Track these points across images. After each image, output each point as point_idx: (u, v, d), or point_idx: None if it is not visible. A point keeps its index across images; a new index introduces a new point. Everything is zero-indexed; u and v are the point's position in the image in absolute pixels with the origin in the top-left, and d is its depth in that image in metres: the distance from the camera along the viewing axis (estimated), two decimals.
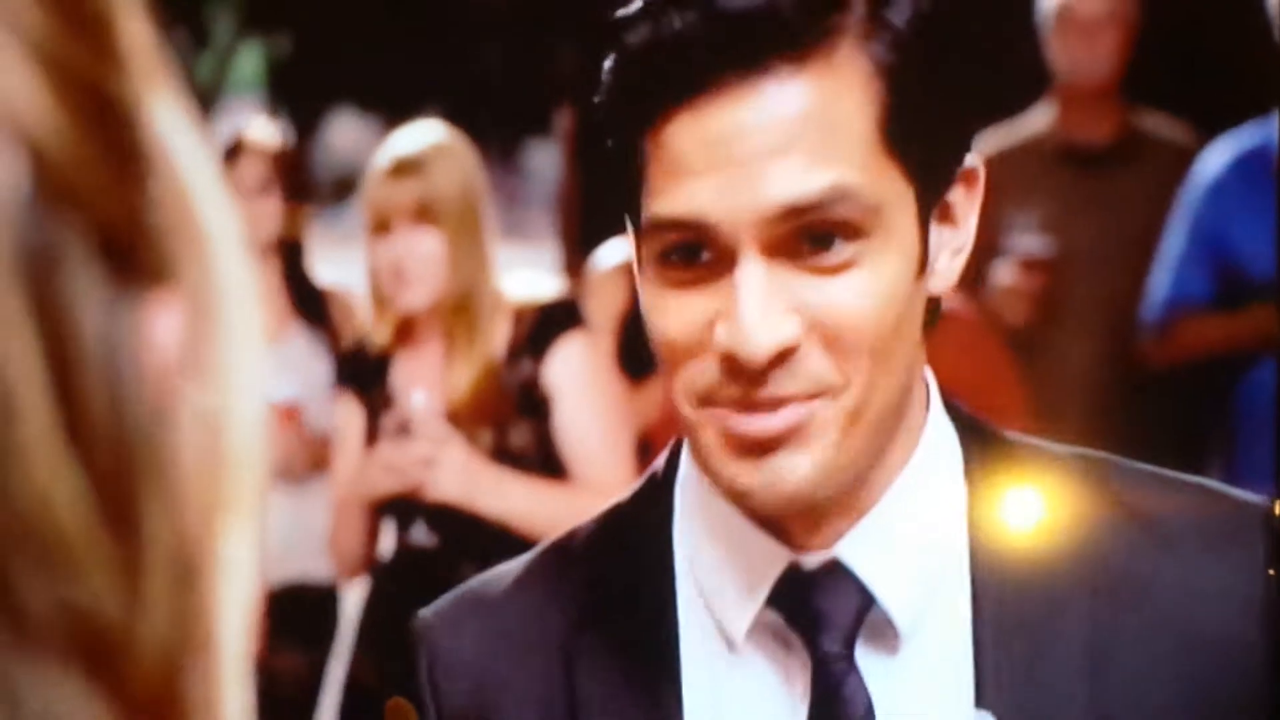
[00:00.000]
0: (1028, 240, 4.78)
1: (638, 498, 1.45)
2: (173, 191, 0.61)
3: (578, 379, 3.51)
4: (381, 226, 3.57)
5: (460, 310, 3.53)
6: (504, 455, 3.49)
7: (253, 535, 0.64)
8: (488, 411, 3.52)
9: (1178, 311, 4.58)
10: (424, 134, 3.64)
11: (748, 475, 1.28)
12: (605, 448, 3.52)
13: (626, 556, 1.41)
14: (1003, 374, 3.84)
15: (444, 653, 1.44)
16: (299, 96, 18.87)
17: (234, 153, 4.77)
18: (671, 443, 1.44)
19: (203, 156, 0.63)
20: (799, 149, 1.24)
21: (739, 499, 1.30)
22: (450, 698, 1.42)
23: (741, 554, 1.36)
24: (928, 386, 1.39)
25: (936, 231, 1.33)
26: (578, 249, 5.80)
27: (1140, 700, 1.31)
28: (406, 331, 3.65)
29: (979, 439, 1.39)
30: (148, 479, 0.59)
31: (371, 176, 3.61)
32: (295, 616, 4.41)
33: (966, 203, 1.35)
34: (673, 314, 1.29)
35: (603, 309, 4.42)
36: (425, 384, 3.54)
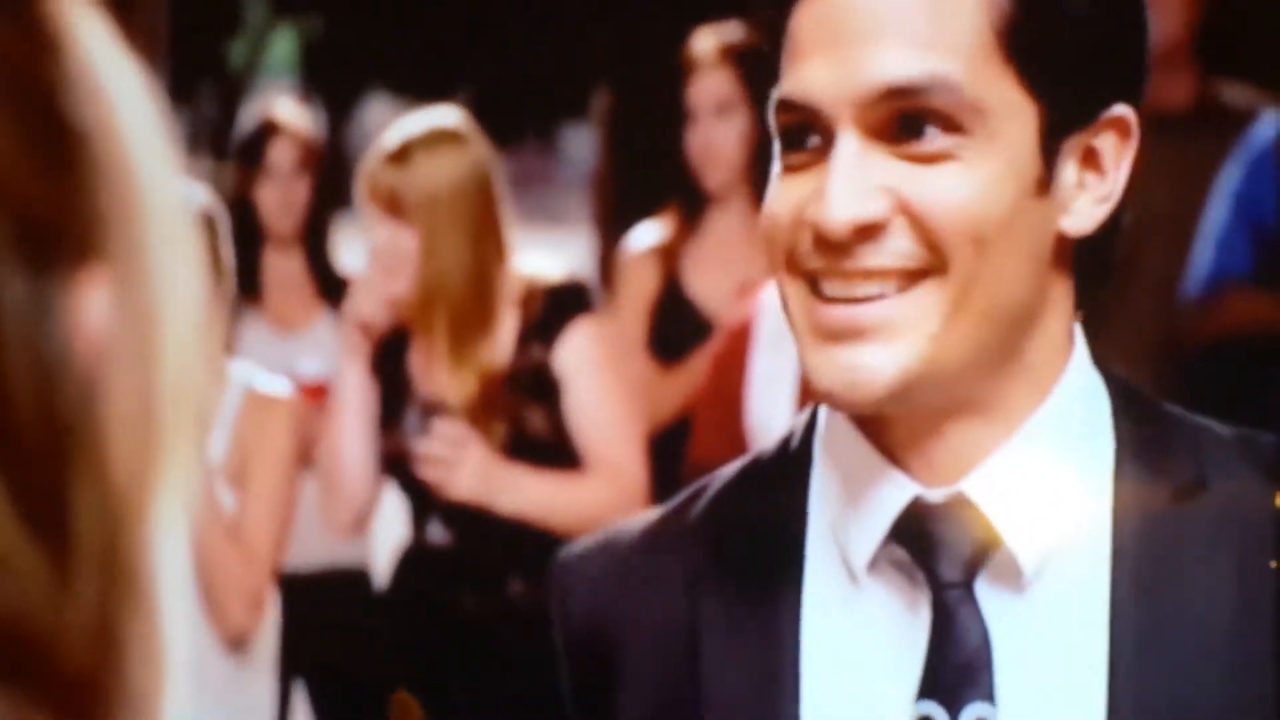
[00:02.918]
0: None
1: (777, 448, 1.46)
2: (107, 169, 0.61)
3: (589, 363, 3.50)
4: (368, 210, 3.57)
5: (436, 305, 3.51)
6: (520, 443, 3.48)
7: (189, 499, 0.63)
8: (497, 402, 3.49)
9: (1219, 286, 4.53)
10: (425, 122, 3.60)
11: (829, 369, 1.30)
12: (616, 432, 3.52)
13: (762, 497, 1.43)
14: None
15: (574, 583, 1.47)
16: (333, 81, 18.86)
17: (265, 135, 4.75)
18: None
19: (149, 119, 0.63)
20: (904, 33, 1.29)
21: (823, 398, 1.34)
22: (576, 623, 1.46)
23: (868, 486, 1.37)
24: (1073, 336, 1.39)
25: (1076, 172, 1.35)
26: (611, 232, 5.76)
27: None
28: (408, 318, 3.62)
29: (1133, 401, 1.40)
30: (75, 464, 0.59)
31: (367, 159, 3.60)
32: (325, 600, 4.39)
33: (1115, 153, 1.37)
34: (781, 195, 1.34)
35: (635, 292, 4.41)
36: (429, 375, 3.52)
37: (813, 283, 1.32)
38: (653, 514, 1.50)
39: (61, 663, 0.59)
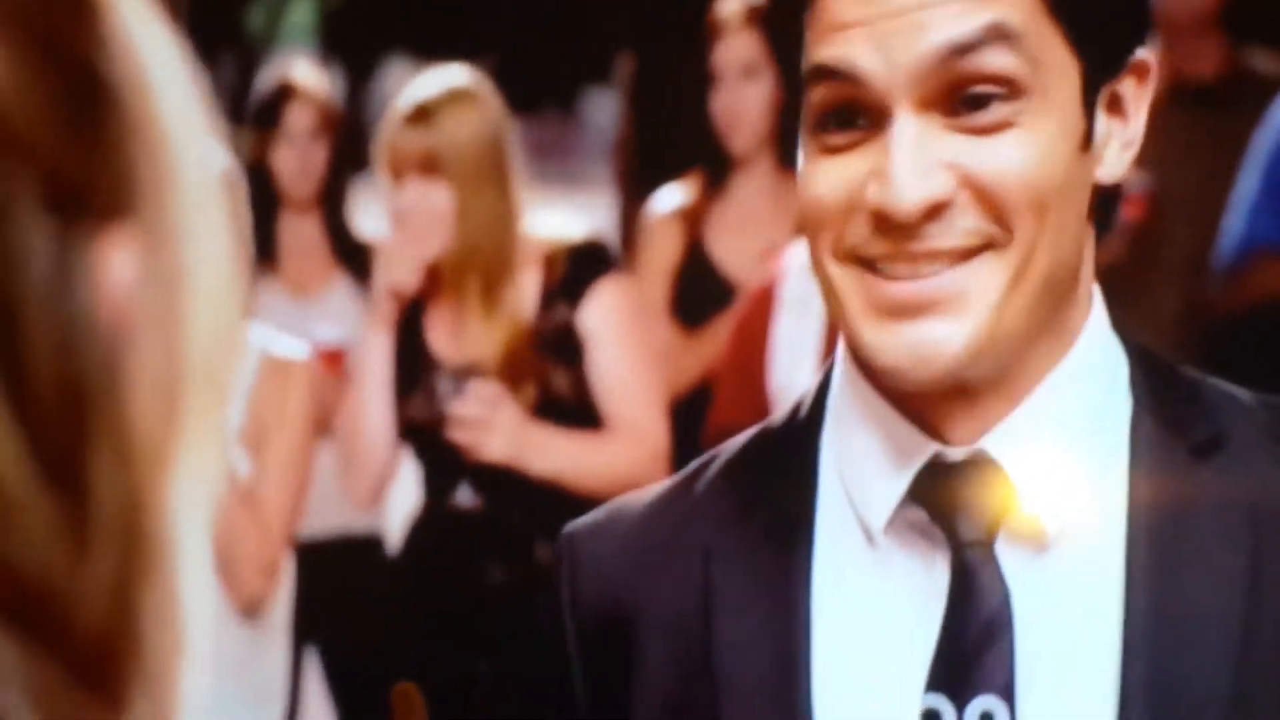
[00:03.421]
0: None
1: (788, 416, 1.44)
2: (136, 120, 0.60)
3: (613, 325, 3.49)
4: (394, 174, 3.54)
5: (472, 265, 3.50)
6: (547, 403, 3.48)
7: (214, 464, 0.63)
8: (524, 364, 3.49)
9: (1249, 255, 4.50)
10: (444, 80, 3.58)
11: (895, 346, 1.28)
12: (639, 393, 3.51)
13: (773, 462, 1.41)
14: None
15: (584, 559, 1.45)
16: (352, 46, 18.83)
17: (282, 98, 4.72)
18: (828, 363, 1.43)
19: (180, 76, 0.63)
20: None
21: (886, 376, 1.30)
22: (585, 599, 1.44)
23: (886, 444, 1.35)
24: (1092, 293, 1.38)
25: (1105, 120, 1.33)
26: (634, 197, 5.75)
27: None
28: (431, 282, 3.60)
29: (1148, 360, 1.39)
30: (96, 427, 0.59)
31: (386, 123, 3.58)
32: (339, 567, 4.36)
33: (1137, 96, 1.36)
34: (826, 177, 1.30)
35: (658, 256, 4.40)
36: (456, 339, 3.50)
37: (865, 264, 1.29)
38: (660, 487, 1.47)
39: (77, 625, 0.59)
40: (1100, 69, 1.32)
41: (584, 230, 3.65)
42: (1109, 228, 1.37)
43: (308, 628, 4.00)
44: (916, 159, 1.25)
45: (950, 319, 1.27)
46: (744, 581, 1.37)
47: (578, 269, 3.51)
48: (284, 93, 4.73)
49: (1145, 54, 1.36)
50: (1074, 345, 1.35)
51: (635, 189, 6.00)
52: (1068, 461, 1.33)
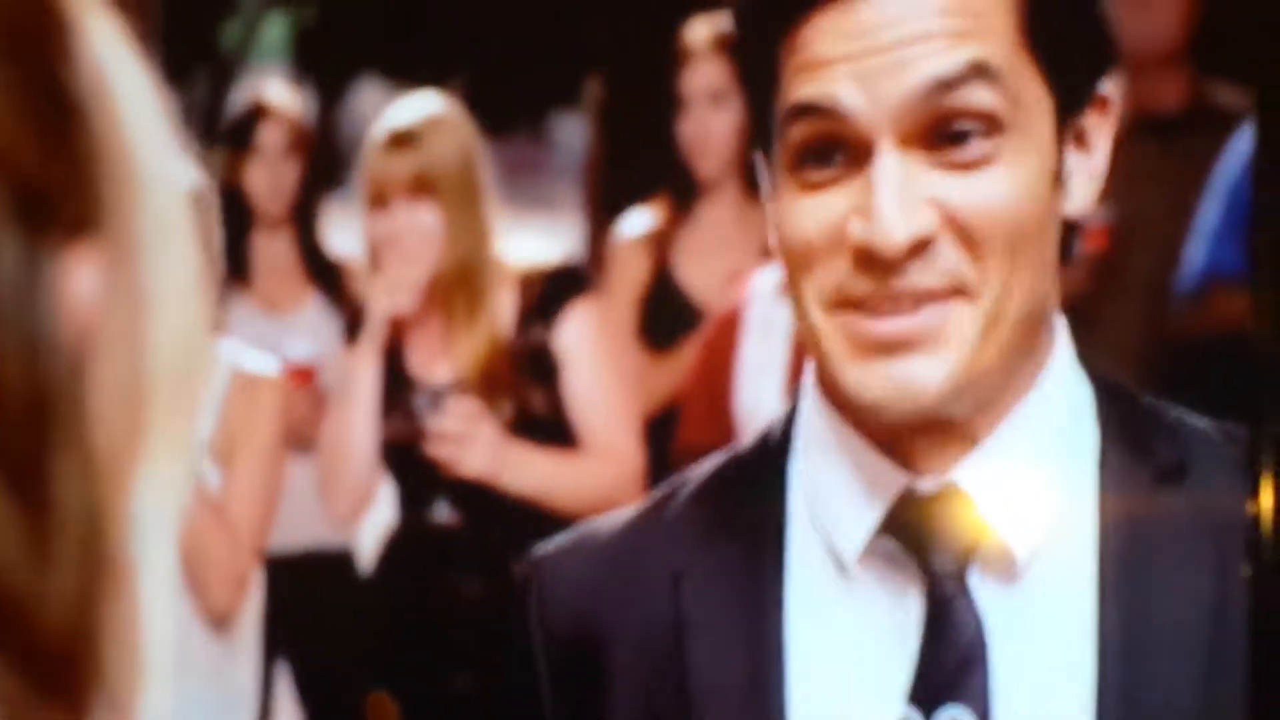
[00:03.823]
0: None
1: (756, 442, 1.44)
2: (103, 136, 0.61)
3: (587, 346, 3.53)
4: (379, 200, 3.58)
5: (460, 283, 3.54)
6: (524, 421, 3.50)
7: (178, 479, 0.63)
8: (502, 380, 3.52)
9: (1211, 283, 4.52)
10: (421, 106, 3.64)
11: (877, 382, 1.28)
12: (613, 413, 3.54)
13: (743, 489, 1.41)
14: None
15: (550, 586, 1.44)
16: (325, 65, 18.82)
17: (254, 117, 4.74)
18: (795, 390, 1.44)
19: (147, 96, 0.63)
20: (940, 33, 1.26)
21: (867, 412, 1.30)
22: (556, 629, 1.43)
23: (857, 476, 1.35)
24: (1055, 324, 1.38)
25: (1072, 154, 1.34)
26: (602, 220, 5.76)
27: None
28: (426, 299, 3.62)
29: (1112, 389, 1.40)
30: (59, 439, 0.58)
31: (368, 150, 3.62)
32: (310, 582, 4.38)
33: (1100, 128, 1.37)
34: (809, 215, 1.29)
35: (625, 280, 4.42)
36: (435, 356, 3.53)
37: (853, 308, 1.29)
38: (628, 512, 1.47)
39: (38, 634, 0.58)
40: (1070, 103, 1.33)
41: (557, 254, 3.70)
42: (1068, 259, 1.37)
43: (279, 641, 4.01)
44: (901, 196, 1.25)
45: (930, 356, 1.27)
46: (715, 606, 1.37)
47: (553, 291, 3.55)
48: (256, 112, 4.75)
49: (1107, 87, 1.37)
50: (1041, 376, 1.35)
51: (603, 212, 6.00)
52: (1037, 491, 1.34)
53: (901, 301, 1.27)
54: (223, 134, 4.87)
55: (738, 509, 1.40)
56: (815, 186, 1.29)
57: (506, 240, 3.64)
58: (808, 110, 1.28)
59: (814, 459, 1.39)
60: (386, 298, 3.59)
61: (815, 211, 1.29)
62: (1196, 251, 4.58)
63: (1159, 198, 4.79)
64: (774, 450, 1.41)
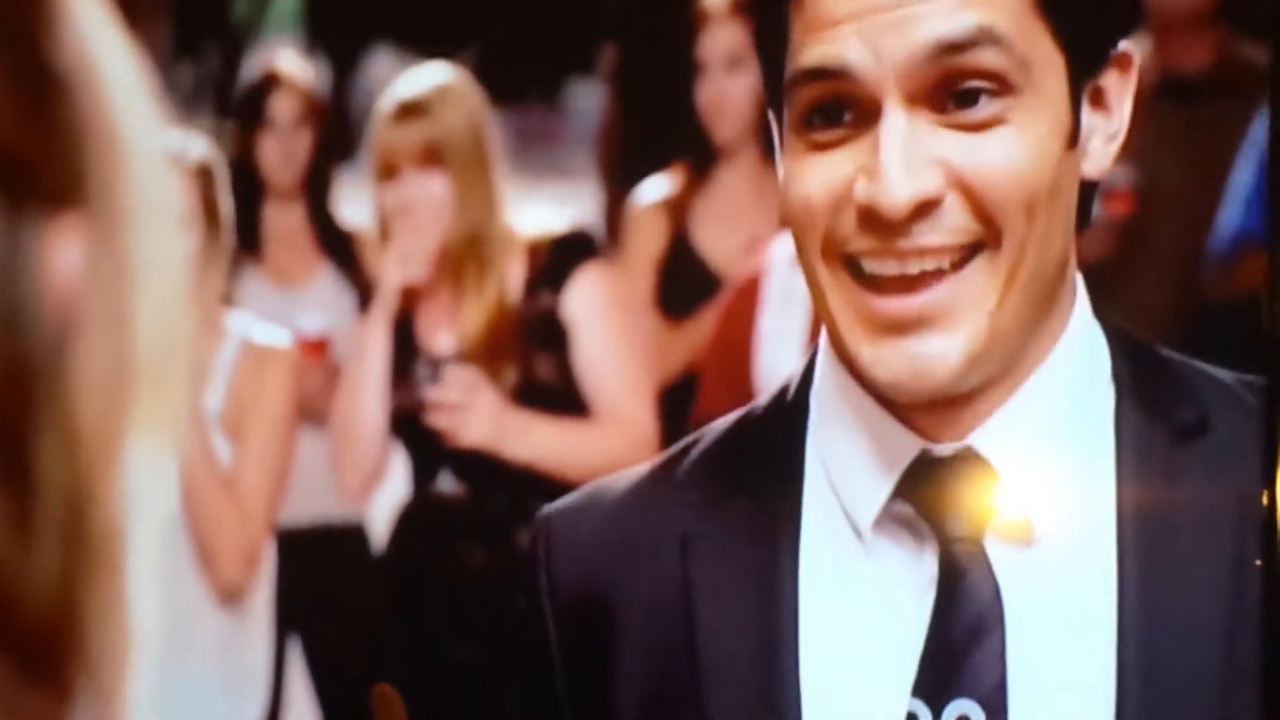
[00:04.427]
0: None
1: (772, 402, 1.43)
2: (88, 110, 0.60)
3: (596, 311, 3.52)
4: (389, 170, 3.59)
5: (469, 251, 3.54)
6: (529, 390, 3.49)
7: (164, 457, 0.63)
8: (507, 348, 3.51)
9: (1244, 247, 4.49)
10: (429, 76, 3.66)
11: (892, 362, 1.27)
12: (624, 379, 3.53)
13: (756, 453, 1.40)
14: None
15: (560, 544, 1.43)
16: (337, 35, 18.80)
17: (266, 88, 4.72)
18: (811, 351, 1.42)
19: (131, 72, 0.63)
20: None
21: (884, 390, 1.29)
22: (565, 585, 1.42)
23: (873, 441, 1.34)
24: (1075, 285, 1.37)
25: (1089, 114, 1.33)
26: (619, 187, 5.73)
27: None
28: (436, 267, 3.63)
29: (1130, 347, 1.38)
30: (43, 409, 0.58)
31: (377, 120, 3.63)
32: (321, 556, 4.35)
33: (1120, 88, 1.35)
34: (814, 174, 1.28)
35: (643, 246, 4.40)
36: (441, 325, 3.52)
37: (853, 266, 1.28)
38: (639, 470, 1.46)
39: (22, 616, 0.58)
40: (1085, 63, 1.31)
41: (568, 221, 3.67)
42: (1088, 221, 1.36)
43: (289, 616, 3.99)
44: (907, 156, 1.24)
45: (946, 333, 1.26)
46: (725, 570, 1.36)
47: (561, 257, 3.53)
48: (268, 82, 4.73)
49: (1128, 46, 1.35)
50: (1060, 339, 1.34)
51: (619, 179, 5.98)
52: (1054, 455, 1.33)
53: (907, 258, 1.26)
54: (234, 105, 4.85)
55: (751, 470, 1.39)
56: (823, 146, 1.29)
57: (522, 209, 3.64)
58: (817, 74, 1.27)
59: (828, 422, 1.38)
60: (397, 269, 3.57)
61: (822, 171, 1.28)
62: (1229, 215, 4.55)
63: (1186, 160, 4.75)
64: (789, 409, 1.40)
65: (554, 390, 3.50)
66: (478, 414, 3.39)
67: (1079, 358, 1.35)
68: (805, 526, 1.36)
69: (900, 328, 1.27)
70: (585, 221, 4.35)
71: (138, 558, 0.62)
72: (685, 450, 1.43)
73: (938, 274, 1.26)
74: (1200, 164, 4.74)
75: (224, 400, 3.45)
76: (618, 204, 5.24)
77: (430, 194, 3.53)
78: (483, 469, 3.47)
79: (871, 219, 1.26)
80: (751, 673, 1.33)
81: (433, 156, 3.54)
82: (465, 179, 3.53)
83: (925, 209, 1.25)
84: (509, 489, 3.49)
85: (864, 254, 1.27)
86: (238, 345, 3.49)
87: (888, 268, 1.27)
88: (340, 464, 3.69)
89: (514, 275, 3.54)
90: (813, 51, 1.27)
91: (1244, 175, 4.53)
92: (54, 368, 0.59)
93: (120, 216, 0.61)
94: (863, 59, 1.25)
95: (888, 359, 1.27)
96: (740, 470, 1.39)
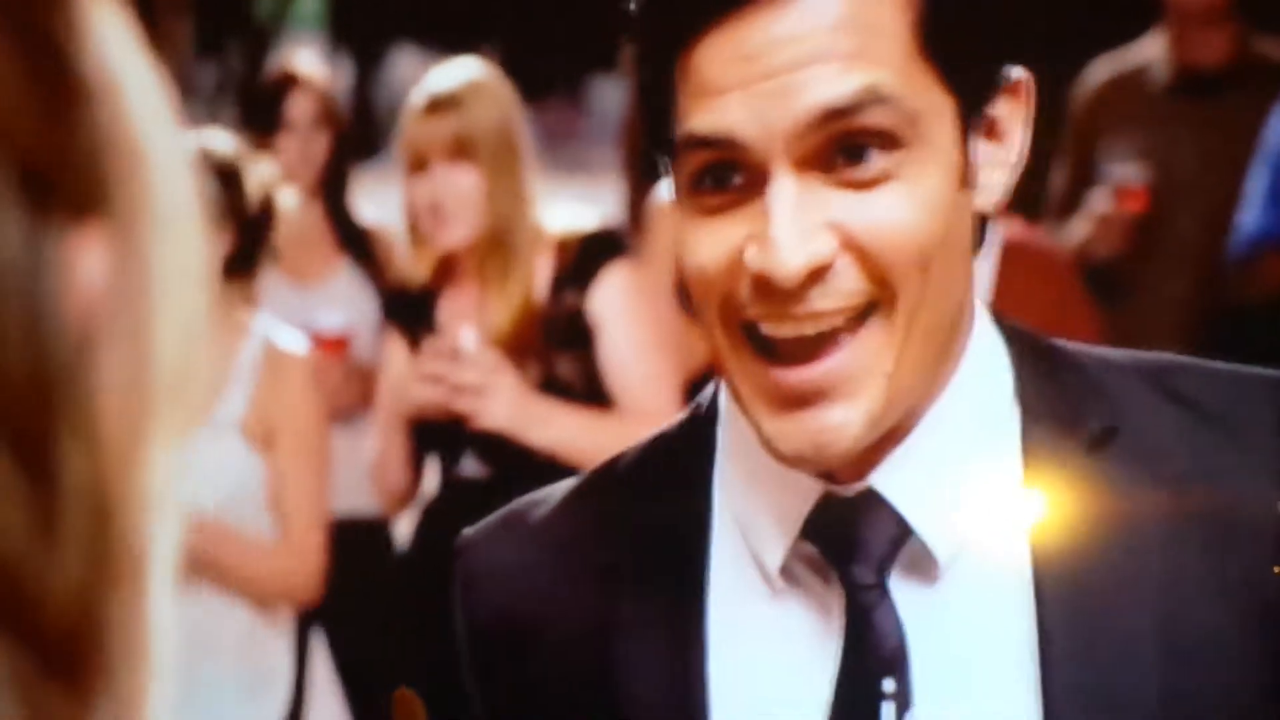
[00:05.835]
0: (1122, 168, 4.66)
1: (681, 430, 1.43)
2: (110, 119, 0.61)
3: (622, 308, 3.52)
4: (419, 164, 3.59)
5: (497, 245, 3.54)
6: (551, 387, 3.49)
7: (183, 468, 0.63)
8: (531, 344, 3.52)
9: (1262, 246, 4.48)
10: (460, 71, 3.66)
11: (793, 437, 1.25)
12: (650, 376, 3.53)
13: (666, 487, 1.39)
14: (1077, 304, 3.76)
15: (480, 569, 1.44)
16: (360, 33, 18.83)
17: (283, 89, 4.73)
18: (716, 380, 1.41)
19: (151, 82, 0.63)
20: (833, 55, 1.22)
21: (788, 463, 1.28)
22: (482, 612, 1.43)
23: (776, 485, 1.33)
24: (973, 311, 1.35)
25: (983, 147, 1.30)
26: (641, 183, 5.73)
27: (1206, 616, 1.27)
28: (447, 268, 3.67)
29: (1034, 356, 1.36)
30: (66, 415, 0.59)
31: (408, 115, 3.64)
32: (345, 552, 4.36)
33: (1012, 116, 1.32)
34: (704, 241, 1.26)
35: (666, 241, 4.37)
36: (467, 320, 3.52)
37: (750, 330, 1.26)
38: (556, 494, 1.45)
39: (44, 618, 0.59)
40: (975, 99, 1.29)
41: (597, 220, 3.67)
42: (978, 249, 1.34)
43: (314, 611, 4.00)
44: (797, 222, 1.22)
45: (845, 402, 1.25)
46: (642, 604, 1.35)
47: (588, 255, 3.53)
48: (285, 83, 4.74)
49: (1019, 73, 1.32)
50: (957, 369, 1.32)
51: (641, 175, 5.97)
52: (958, 486, 1.31)
53: (802, 321, 1.24)
54: (253, 105, 4.86)
55: (664, 505, 1.38)
56: (714, 210, 1.27)
57: (545, 206, 3.64)
58: (703, 142, 1.25)
59: (733, 464, 1.37)
60: (426, 266, 3.59)
61: (714, 239, 1.26)
62: (1247, 217, 4.53)
63: (1202, 156, 4.73)
64: (699, 442, 1.40)
65: (575, 389, 3.50)
66: (499, 396, 3.38)
67: (979, 382, 1.33)
68: (714, 566, 1.35)
69: (800, 401, 1.25)
70: (608, 218, 4.35)
71: (157, 568, 0.63)
72: (602, 473, 1.44)
73: (834, 337, 1.24)
74: (1218, 160, 4.73)
75: (246, 405, 3.46)
76: (639, 199, 5.24)
77: (459, 187, 3.54)
78: (507, 453, 3.47)
79: (765, 287, 1.24)
80: (668, 705, 1.33)
81: (462, 150, 3.54)
82: (495, 174, 3.53)
83: (818, 274, 1.23)
84: (534, 474, 3.48)
85: (760, 318, 1.25)
86: (260, 347, 3.50)
87: (784, 330, 1.25)
88: (378, 480, 3.82)
89: (541, 272, 3.55)
90: (699, 120, 1.24)
91: (1259, 176, 4.51)
92: (76, 375, 0.59)
93: (142, 225, 0.62)
94: (749, 129, 1.23)
95: (789, 433, 1.26)
96: (653, 502, 1.39)
